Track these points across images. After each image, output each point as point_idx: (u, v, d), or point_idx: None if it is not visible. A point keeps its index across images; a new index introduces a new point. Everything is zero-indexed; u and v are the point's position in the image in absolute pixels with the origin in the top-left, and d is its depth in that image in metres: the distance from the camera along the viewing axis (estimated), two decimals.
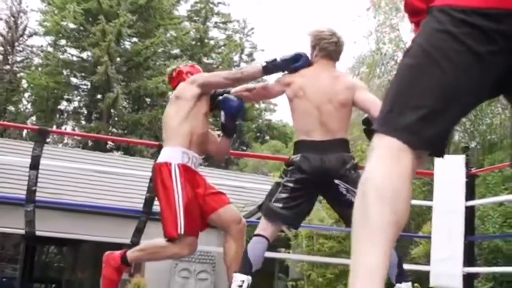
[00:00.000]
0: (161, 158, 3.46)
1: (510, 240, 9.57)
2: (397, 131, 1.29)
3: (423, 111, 1.28)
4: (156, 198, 3.56)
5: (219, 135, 3.70)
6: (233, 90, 3.57)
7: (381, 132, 1.32)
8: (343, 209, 3.33)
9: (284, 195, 3.30)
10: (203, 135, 3.60)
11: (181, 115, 3.49)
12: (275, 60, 3.50)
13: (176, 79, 3.77)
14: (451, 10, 1.31)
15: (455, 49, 1.28)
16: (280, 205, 3.30)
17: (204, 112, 3.60)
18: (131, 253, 3.42)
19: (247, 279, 3.20)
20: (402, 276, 3.22)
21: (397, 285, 3.19)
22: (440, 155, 1.37)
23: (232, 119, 3.66)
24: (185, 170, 3.43)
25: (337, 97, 3.39)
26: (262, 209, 3.39)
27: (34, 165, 3.81)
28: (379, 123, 1.36)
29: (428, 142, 1.31)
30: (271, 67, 3.49)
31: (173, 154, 3.43)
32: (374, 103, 3.37)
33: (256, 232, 3.35)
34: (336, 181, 3.31)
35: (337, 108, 3.38)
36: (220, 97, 3.64)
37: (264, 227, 3.34)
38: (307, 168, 3.28)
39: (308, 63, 3.51)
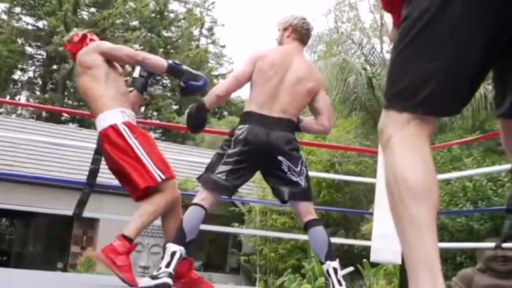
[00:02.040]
0: (103, 125, 3.41)
1: (455, 218, 9.84)
2: (412, 105, 1.36)
3: (431, 85, 1.34)
4: (110, 167, 3.51)
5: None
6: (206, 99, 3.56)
7: (394, 109, 1.39)
8: (281, 186, 3.37)
9: (227, 167, 3.30)
10: (127, 94, 3.61)
11: (101, 82, 3.47)
12: (181, 65, 3.67)
13: (79, 43, 3.68)
14: None
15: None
16: (223, 176, 3.29)
17: (120, 73, 3.66)
18: (129, 229, 3.29)
19: (180, 249, 3.18)
20: (330, 255, 3.30)
21: (327, 262, 3.27)
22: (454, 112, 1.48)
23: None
24: (132, 126, 3.44)
25: (308, 83, 3.47)
26: (202, 180, 3.35)
27: None
28: (389, 102, 1.41)
29: (443, 110, 1.43)
30: (174, 70, 3.61)
31: (113, 116, 3.40)
32: (328, 110, 3.59)
33: (194, 201, 3.31)
34: (280, 158, 3.35)
35: (302, 93, 3.47)
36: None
37: (203, 197, 3.31)
38: (253, 140, 3.29)
39: (203, 89, 3.73)
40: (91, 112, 3.62)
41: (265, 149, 3.31)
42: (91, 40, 3.72)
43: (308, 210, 3.43)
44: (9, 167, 12.59)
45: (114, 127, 3.37)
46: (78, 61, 3.59)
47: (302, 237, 10.95)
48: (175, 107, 32.34)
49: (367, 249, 8.21)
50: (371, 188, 13.47)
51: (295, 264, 12.52)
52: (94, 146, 3.72)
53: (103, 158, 3.59)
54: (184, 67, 3.65)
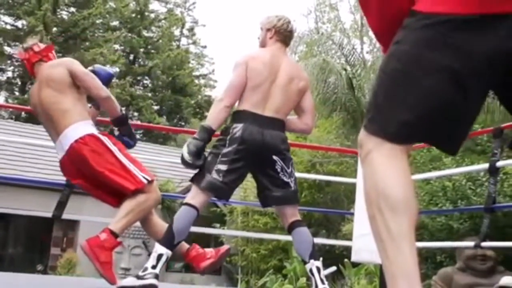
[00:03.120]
0: (77, 134, 3.31)
1: (435, 217, 9.92)
2: (389, 131, 1.39)
3: (413, 114, 1.36)
4: (86, 176, 3.41)
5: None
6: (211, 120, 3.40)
7: (372, 133, 1.41)
8: (271, 187, 3.38)
9: (224, 167, 3.26)
10: (91, 110, 3.62)
11: (68, 96, 3.39)
12: (128, 120, 3.67)
13: (39, 54, 3.53)
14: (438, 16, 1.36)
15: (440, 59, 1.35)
16: (220, 177, 3.26)
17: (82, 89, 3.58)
18: (116, 225, 3.24)
19: (166, 253, 3.16)
20: (314, 255, 3.33)
21: (311, 261, 3.30)
22: (449, 151, 1.50)
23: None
24: (108, 135, 3.44)
25: (299, 83, 3.51)
26: (198, 181, 3.29)
27: None
28: (370, 124, 1.43)
29: (425, 137, 1.45)
30: (122, 121, 3.62)
31: (87, 127, 3.36)
32: (312, 109, 3.64)
33: (185, 201, 3.29)
34: (275, 157, 3.36)
35: (294, 92, 3.49)
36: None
37: (194, 196, 3.29)
38: (249, 139, 3.28)
39: (129, 148, 3.61)
40: (52, 127, 3.43)
41: (261, 148, 3.31)
42: (53, 56, 3.59)
43: (293, 212, 3.45)
44: None
45: (92, 136, 3.32)
46: (44, 74, 3.45)
47: (284, 237, 11.00)
48: (156, 107, 32.18)
49: (348, 249, 8.26)
50: (352, 189, 13.55)
51: (277, 265, 12.55)
52: None
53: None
54: (129, 123, 3.65)
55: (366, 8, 1.57)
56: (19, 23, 28.96)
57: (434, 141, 1.46)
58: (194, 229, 6.37)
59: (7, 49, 29.26)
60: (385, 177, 1.36)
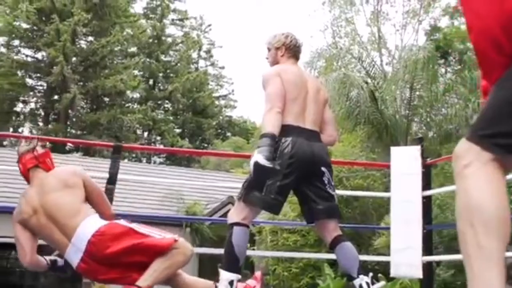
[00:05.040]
0: (92, 230, 3.14)
1: None
2: (493, 145, 1.40)
3: None
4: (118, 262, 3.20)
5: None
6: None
7: (477, 142, 1.42)
8: (317, 200, 3.31)
9: (275, 183, 3.18)
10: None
11: (81, 198, 3.30)
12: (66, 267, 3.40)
13: (39, 159, 3.44)
14: None
15: None
16: (272, 193, 3.19)
17: None
18: (147, 281, 3.04)
19: (236, 277, 3.11)
20: (361, 269, 3.26)
21: (360, 276, 3.22)
22: None
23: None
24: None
25: (324, 94, 3.57)
26: (250, 199, 3.21)
27: None
28: (477, 133, 1.45)
29: None
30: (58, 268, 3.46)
31: (97, 220, 3.24)
32: (334, 120, 3.65)
33: (236, 220, 3.20)
34: (323, 169, 3.33)
35: (322, 103, 3.52)
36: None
37: (240, 213, 3.23)
38: (299, 152, 3.23)
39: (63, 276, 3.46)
40: (58, 231, 3.22)
41: (311, 161, 3.28)
42: (50, 162, 3.50)
43: (335, 227, 3.40)
44: (13, 199, 12.53)
45: (106, 225, 3.18)
46: (62, 178, 3.35)
47: (314, 255, 10.90)
48: (178, 130, 32.35)
49: (380, 264, 8.14)
50: (380, 202, 13.45)
51: (309, 283, 12.40)
52: (99, 174, 3.67)
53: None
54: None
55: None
56: (39, 55, 29.41)
57: None
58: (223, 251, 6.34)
59: (29, 81, 29.69)
60: (482, 192, 1.36)
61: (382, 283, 3.44)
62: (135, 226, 3.19)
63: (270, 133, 3.16)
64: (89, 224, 3.15)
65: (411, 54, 14.14)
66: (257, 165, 3.07)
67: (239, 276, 3.12)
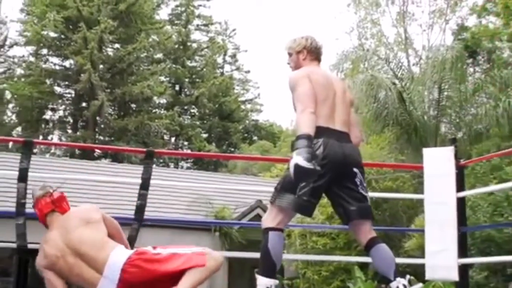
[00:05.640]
0: (122, 259, 3.12)
1: (501, 229, 9.61)
2: None
3: None
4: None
5: None
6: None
7: None
8: (350, 201, 3.27)
9: (308, 185, 3.15)
10: None
11: (104, 232, 3.30)
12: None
13: (55, 203, 3.41)
14: None
15: None
16: (305, 196, 3.17)
17: None
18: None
19: (274, 283, 3.09)
20: (398, 272, 3.21)
21: (397, 279, 3.17)
22: None
23: None
24: None
25: (350, 95, 3.56)
26: (283, 203, 3.18)
27: (22, 177, 3.75)
28: None
29: None
30: None
31: (124, 250, 3.24)
32: (359, 124, 3.61)
33: (271, 225, 3.19)
34: (355, 170, 3.30)
35: (349, 104, 3.50)
36: None
37: (275, 218, 3.21)
38: (331, 154, 3.20)
39: None
40: (87, 266, 3.19)
41: (343, 162, 3.25)
42: (66, 205, 3.47)
43: (370, 229, 3.36)
44: None
45: (135, 252, 3.17)
46: (82, 216, 3.35)
47: (345, 258, 10.82)
48: (204, 135, 32.48)
49: (411, 266, 8.06)
50: (409, 204, 13.32)
51: (340, 286, 12.34)
52: (128, 180, 3.67)
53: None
54: None
55: None
56: (67, 63, 29.81)
57: None
58: (254, 255, 6.32)
59: (58, 89, 30.09)
60: None
61: (420, 284, 3.39)
62: (161, 249, 3.16)
63: (306, 134, 3.10)
64: (119, 254, 3.13)
65: (439, 54, 13.99)
66: (297, 167, 3.00)
67: (277, 282, 3.11)
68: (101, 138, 29.00)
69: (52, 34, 28.99)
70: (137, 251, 3.18)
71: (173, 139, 32.24)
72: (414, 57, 21.11)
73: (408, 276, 3.22)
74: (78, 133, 28.29)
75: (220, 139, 32.78)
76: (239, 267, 13.96)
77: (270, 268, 3.13)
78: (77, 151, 27.03)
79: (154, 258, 3.09)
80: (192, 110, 33.31)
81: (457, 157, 4.36)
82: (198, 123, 32.37)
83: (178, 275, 3.03)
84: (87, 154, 25.77)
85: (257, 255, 6.35)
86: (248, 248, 12.25)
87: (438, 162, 4.33)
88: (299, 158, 3.00)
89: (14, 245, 3.70)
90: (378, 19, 22.03)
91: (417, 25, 27.00)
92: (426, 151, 4.49)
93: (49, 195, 3.41)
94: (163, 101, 32.15)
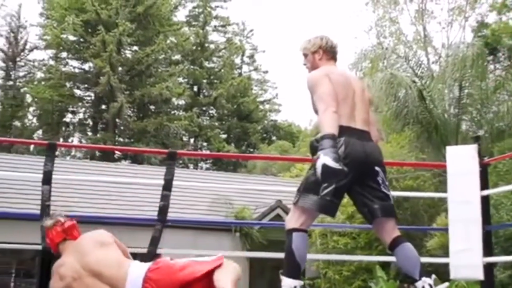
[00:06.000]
0: (141, 274, 3.12)
1: None
2: None
3: None
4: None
5: None
6: None
7: None
8: (373, 199, 3.25)
9: (331, 185, 3.12)
10: None
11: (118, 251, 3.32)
12: None
13: (66, 232, 3.40)
14: None
15: None
16: (329, 196, 3.14)
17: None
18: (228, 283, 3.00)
19: (299, 284, 3.08)
20: (423, 271, 3.18)
21: (423, 279, 3.14)
22: None
23: None
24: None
25: (368, 95, 3.53)
26: (306, 203, 3.17)
27: (47, 180, 3.77)
28: None
29: None
30: None
31: (140, 264, 3.24)
32: (377, 123, 3.57)
33: (294, 226, 3.16)
34: (377, 168, 3.28)
35: (368, 103, 3.48)
36: None
37: (299, 218, 3.19)
38: (353, 153, 3.18)
39: None
40: (111, 282, 3.18)
41: (365, 161, 3.22)
42: (77, 232, 3.46)
43: (394, 227, 3.32)
44: (66, 208, 12.77)
45: (153, 264, 3.19)
46: (95, 239, 3.35)
47: (366, 258, 10.77)
48: (223, 136, 32.53)
49: (433, 265, 8.01)
50: (431, 203, 13.22)
51: (361, 286, 12.29)
52: (148, 181, 3.67)
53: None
54: None
55: None
56: (86, 66, 30.06)
57: None
58: (275, 255, 6.31)
59: (77, 91, 30.34)
60: None
61: (446, 284, 3.35)
62: (178, 260, 3.18)
63: (330, 134, 3.07)
64: (138, 268, 3.14)
65: (459, 51, 13.87)
66: (326, 167, 2.98)
67: (301, 283, 3.10)
68: (121, 140, 29.18)
69: (71, 38, 29.25)
70: (155, 262, 3.19)
71: (192, 140, 32.34)
72: (434, 55, 20.94)
73: (433, 276, 3.18)
74: (98, 135, 28.50)
75: (239, 139, 32.81)
76: (260, 267, 13.97)
77: (295, 269, 3.11)
78: (97, 153, 27.22)
79: (172, 266, 3.10)
80: (210, 111, 33.39)
81: (480, 155, 4.31)
82: (216, 124, 32.42)
83: (199, 280, 3.03)
84: (107, 156, 25.95)
85: (277, 255, 6.33)
86: (268, 248, 12.29)
87: (462, 160, 4.28)
88: (327, 159, 2.98)
89: (37, 247, 3.72)
90: (396, 17, 21.91)
91: (436, 23, 26.74)
92: (449, 149, 4.44)
93: (60, 224, 3.40)
94: (181, 102, 32.27)
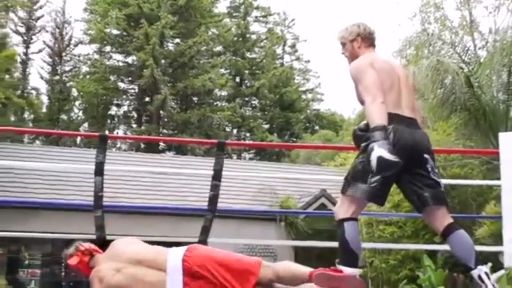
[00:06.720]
0: (180, 254, 3.24)
1: None
2: None
3: None
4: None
5: None
6: None
7: None
8: (423, 188, 3.20)
9: (379, 174, 3.06)
10: None
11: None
12: None
13: (90, 250, 3.51)
14: None
15: None
16: (377, 185, 3.10)
17: None
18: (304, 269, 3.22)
19: (358, 272, 3.09)
20: (479, 259, 3.11)
21: (478, 267, 3.08)
22: None
23: None
24: None
25: (412, 81, 3.47)
26: (356, 192, 3.14)
27: (99, 171, 3.84)
28: None
29: None
30: None
31: (175, 248, 3.35)
32: (420, 111, 3.50)
33: (344, 215, 3.14)
34: (426, 156, 3.22)
35: (413, 89, 3.44)
36: None
37: (349, 208, 3.15)
38: (401, 141, 3.12)
39: None
40: (153, 265, 3.29)
41: (413, 148, 3.17)
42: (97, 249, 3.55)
43: (446, 215, 3.25)
44: (112, 199, 12.99)
45: (193, 245, 3.38)
46: (126, 240, 3.49)
47: (413, 246, 10.64)
48: (266, 126, 32.56)
49: (483, 254, 7.88)
50: (479, 191, 12.96)
51: (408, 275, 12.15)
52: (192, 171, 3.70)
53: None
54: None
55: None
56: (129, 59, 30.42)
57: None
58: (320, 244, 6.30)
59: (121, 85, 30.77)
60: None
61: (502, 271, 3.27)
62: (217, 251, 3.31)
63: (381, 125, 3.03)
64: (176, 251, 3.26)
65: (507, 36, 13.53)
66: (382, 159, 2.93)
67: (360, 270, 3.09)
68: (165, 131, 29.49)
69: (115, 32, 29.65)
70: (190, 246, 3.31)
71: (235, 130, 32.46)
72: (480, 40, 20.46)
73: (489, 264, 3.11)
74: (142, 127, 28.85)
75: (281, 129, 32.78)
76: (305, 256, 13.95)
77: (352, 257, 3.10)
78: (142, 145, 27.58)
79: (208, 249, 3.28)
80: (253, 102, 33.44)
81: None
82: (259, 114, 32.46)
83: (235, 267, 3.14)
84: (151, 148, 26.26)
85: (322, 244, 6.32)
86: (313, 237, 12.25)
87: None
88: (382, 151, 2.93)
89: (89, 237, 3.80)
90: (441, 3, 21.44)
91: (482, 8, 26.14)
92: (502, 136, 4.34)
93: (82, 246, 3.49)
94: (224, 93, 32.40)
